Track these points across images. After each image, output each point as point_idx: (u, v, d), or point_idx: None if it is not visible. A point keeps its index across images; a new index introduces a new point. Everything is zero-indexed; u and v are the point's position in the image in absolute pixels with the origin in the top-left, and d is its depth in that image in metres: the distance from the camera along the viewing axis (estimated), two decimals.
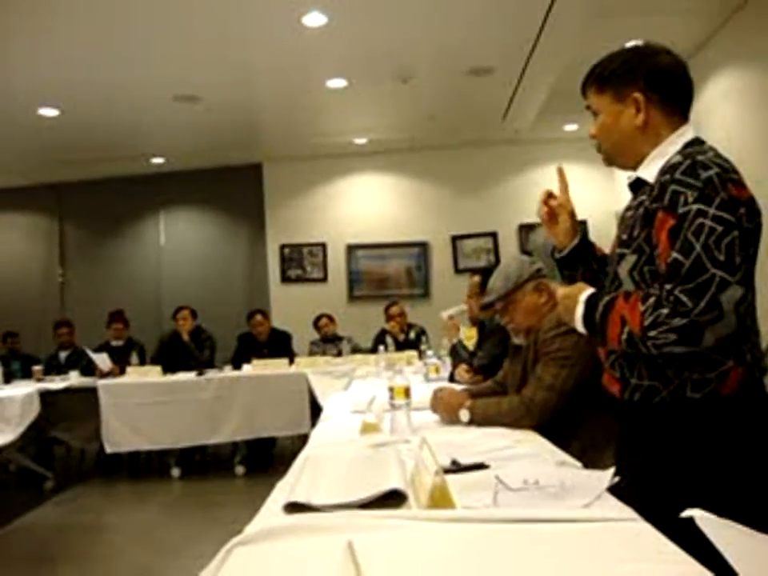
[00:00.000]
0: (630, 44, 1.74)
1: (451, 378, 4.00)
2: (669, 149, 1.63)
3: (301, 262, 8.88)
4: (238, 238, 9.14)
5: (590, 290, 1.67)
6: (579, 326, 1.67)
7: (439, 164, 8.78)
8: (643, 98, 1.65)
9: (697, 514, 0.89)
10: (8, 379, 6.14)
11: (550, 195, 1.93)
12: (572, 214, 1.92)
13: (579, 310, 1.65)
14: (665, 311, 1.43)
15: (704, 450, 1.53)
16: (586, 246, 1.91)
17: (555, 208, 1.92)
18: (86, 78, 5.84)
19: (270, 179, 8.96)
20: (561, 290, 1.77)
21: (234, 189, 9.00)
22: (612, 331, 1.55)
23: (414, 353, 6.06)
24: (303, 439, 4.46)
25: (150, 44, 5.35)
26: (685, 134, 1.65)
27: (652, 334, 1.45)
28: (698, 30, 5.67)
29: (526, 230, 8.62)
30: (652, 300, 1.47)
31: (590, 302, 1.63)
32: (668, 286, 1.45)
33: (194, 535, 4.36)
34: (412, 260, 8.80)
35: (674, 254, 1.45)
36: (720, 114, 5.69)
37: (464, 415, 2.38)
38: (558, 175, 1.94)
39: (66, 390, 6.10)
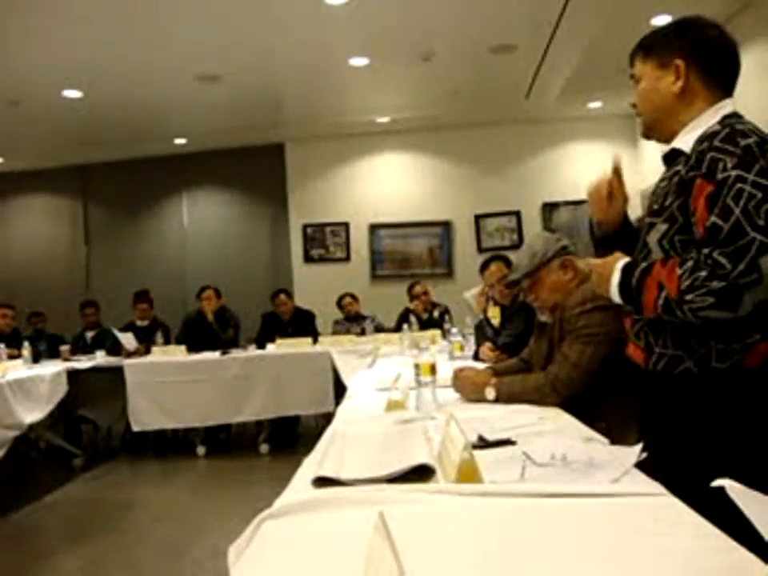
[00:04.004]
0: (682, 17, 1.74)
1: (476, 357, 4.00)
2: (706, 121, 1.62)
3: (324, 242, 8.88)
4: (260, 217, 9.17)
5: (626, 259, 1.67)
6: (614, 295, 1.66)
7: (462, 143, 8.71)
8: (684, 65, 1.65)
9: (727, 483, 0.88)
10: (35, 359, 6.21)
11: (619, 176, 1.87)
12: (626, 200, 1.88)
13: (615, 278, 1.64)
14: (703, 274, 1.42)
15: (728, 422, 1.53)
16: (630, 231, 1.89)
17: (615, 191, 1.86)
18: (108, 59, 5.84)
19: (293, 159, 8.95)
20: (596, 260, 1.77)
21: (256, 169, 9.00)
22: (648, 297, 1.54)
23: (437, 332, 6.05)
24: (327, 417, 4.49)
25: (172, 24, 5.34)
26: (723, 108, 1.64)
27: (689, 297, 1.44)
28: (731, 1, 5.54)
29: (549, 208, 8.57)
30: (690, 263, 1.46)
31: (627, 270, 1.63)
32: (706, 250, 1.44)
33: (219, 512, 4.41)
34: (435, 239, 8.77)
35: (713, 219, 1.44)
36: (754, 87, 5.55)
37: (489, 393, 2.37)
38: (615, 163, 1.87)
39: (93, 369, 6.18)
